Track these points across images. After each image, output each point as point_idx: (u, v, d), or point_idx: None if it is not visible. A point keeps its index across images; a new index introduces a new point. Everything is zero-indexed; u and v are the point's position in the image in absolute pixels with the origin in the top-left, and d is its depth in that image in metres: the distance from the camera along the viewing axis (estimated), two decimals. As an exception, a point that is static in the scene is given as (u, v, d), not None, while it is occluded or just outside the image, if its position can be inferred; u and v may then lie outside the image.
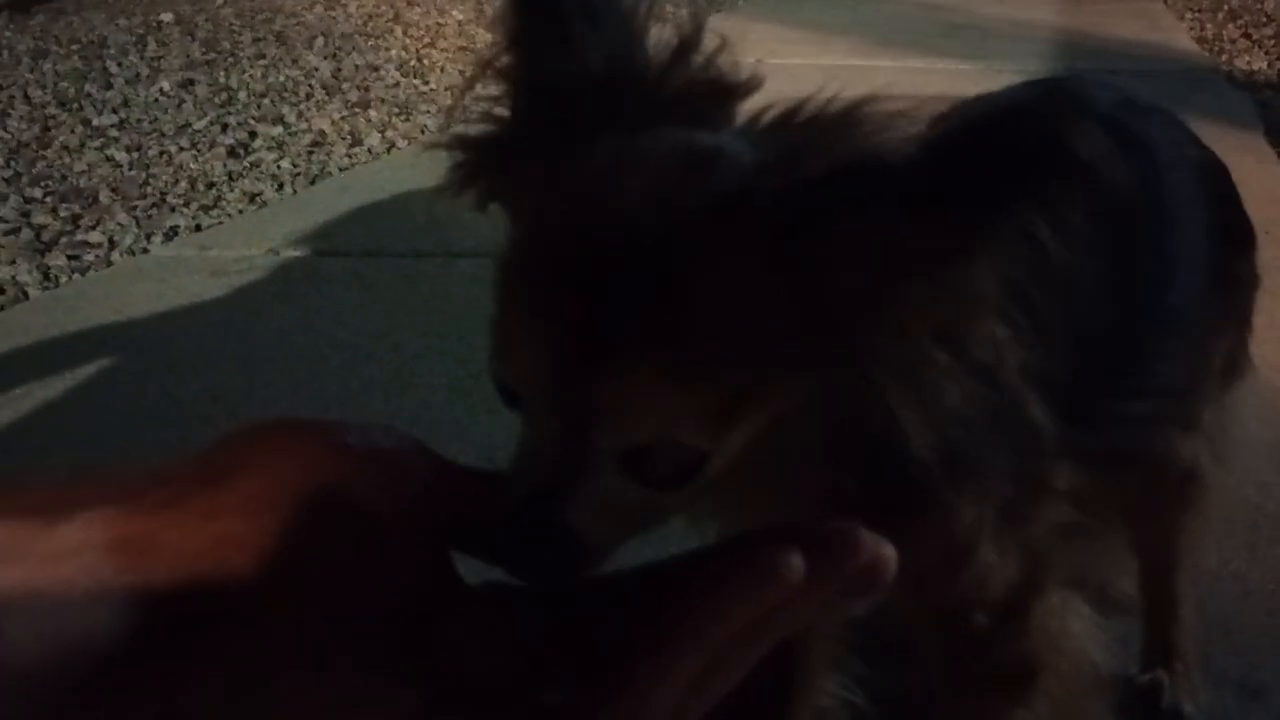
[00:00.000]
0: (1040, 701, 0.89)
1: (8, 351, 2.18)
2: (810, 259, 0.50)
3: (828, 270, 0.50)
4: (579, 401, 0.48)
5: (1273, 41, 4.79)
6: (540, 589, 0.44)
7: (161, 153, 3.43)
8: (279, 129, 3.67)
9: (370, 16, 5.38)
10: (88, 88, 4.08)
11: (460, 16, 5.39)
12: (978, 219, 0.49)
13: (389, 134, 3.68)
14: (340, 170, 3.33)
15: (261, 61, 4.52)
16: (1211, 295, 1.03)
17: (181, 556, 0.37)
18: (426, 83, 4.30)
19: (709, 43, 0.57)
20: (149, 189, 3.14)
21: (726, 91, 0.56)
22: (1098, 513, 0.94)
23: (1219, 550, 1.41)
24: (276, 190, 3.16)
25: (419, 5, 5.58)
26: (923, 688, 0.92)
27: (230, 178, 3.24)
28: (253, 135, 3.60)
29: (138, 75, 4.26)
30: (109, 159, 3.37)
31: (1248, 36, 4.92)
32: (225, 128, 3.67)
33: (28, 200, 3.04)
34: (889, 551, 0.42)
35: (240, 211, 3.00)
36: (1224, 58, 4.57)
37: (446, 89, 4.16)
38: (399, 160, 3.35)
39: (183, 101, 3.95)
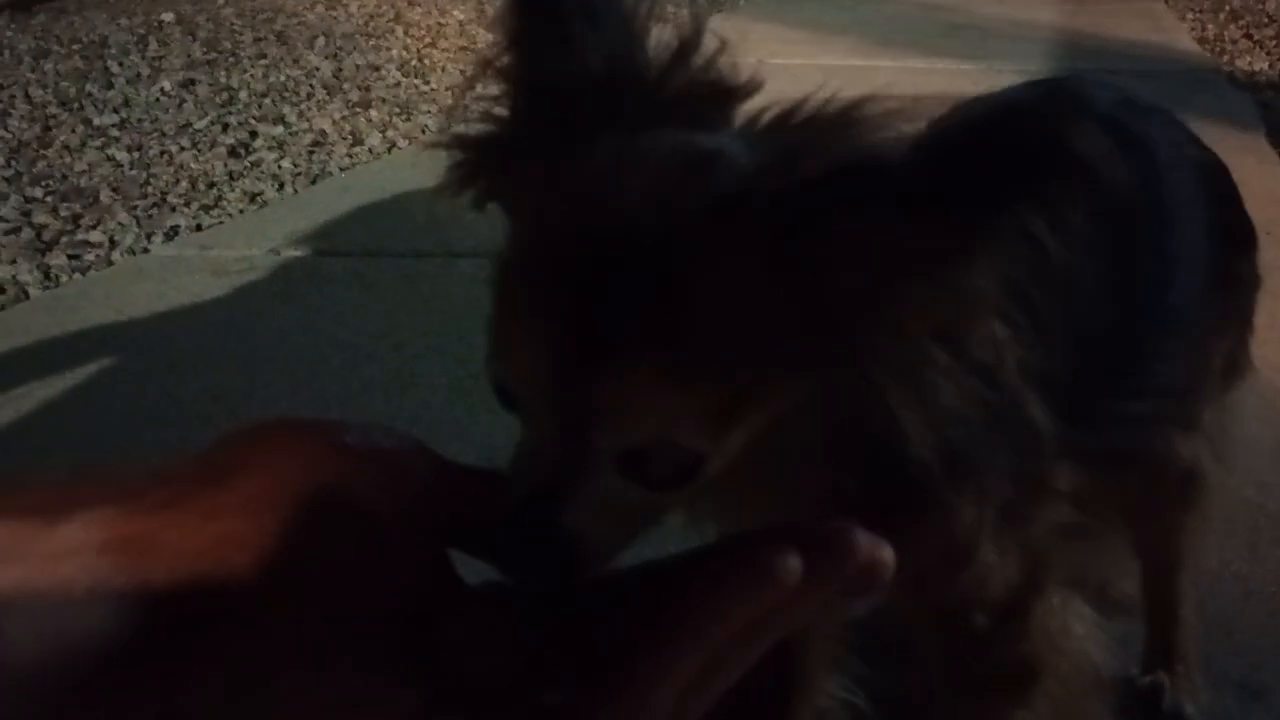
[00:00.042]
0: (1041, 702, 0.89)
1: (8, 351, 2.18)
2: (810, 259, 0.50)
3: (827, 270, 0.50)
4: (578, 402, 0.48)
5: (1274, 42, 4.79)
6: (540, 590, 0.44)
7: (162, 152, 3.43)
8: (280, 129, 3.67)
9: (371, 16, 5.38)
10: (89, 87, 4.08)
11: (461, 16, 5.39)
12: (977, 219, 0.49)
13: (390, 134, 3.68)
14: (341, 170, 3.33)
15: (263, 61, 4.52)
16: (1212, 295, 1.03)
17: (181, 556, 0.37)
18: (427, 82, 4.30)
19: (709, 45, 0.57)
20: (150, 188, 3.14)
21: (726, 93, 0.56)
22: (1098, 513, 0.94)
23: (1220, 551, 1.41)
24: (277, 190, 3.16)
25: (420, 5, 5.58)
26: (923, 688, 0.92)
27: (231, 177, 3.24)
28: (254, 135, 3.60)
29: (139, 75, 4.26)
30: (110, 158, 3.37)
31: (1249, 37, 4.92)
32: (226, 127, 3.67)
33: (28, 200, 3.04)
34: (887, 552, 0.42)
35: (241, 211, 3.00)
36: (1225, 58, 4.57)
37: (447, 89, 4.16)
38: (400, 160, 3.35)
39: (184, 101, 3.95)
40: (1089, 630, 0.91)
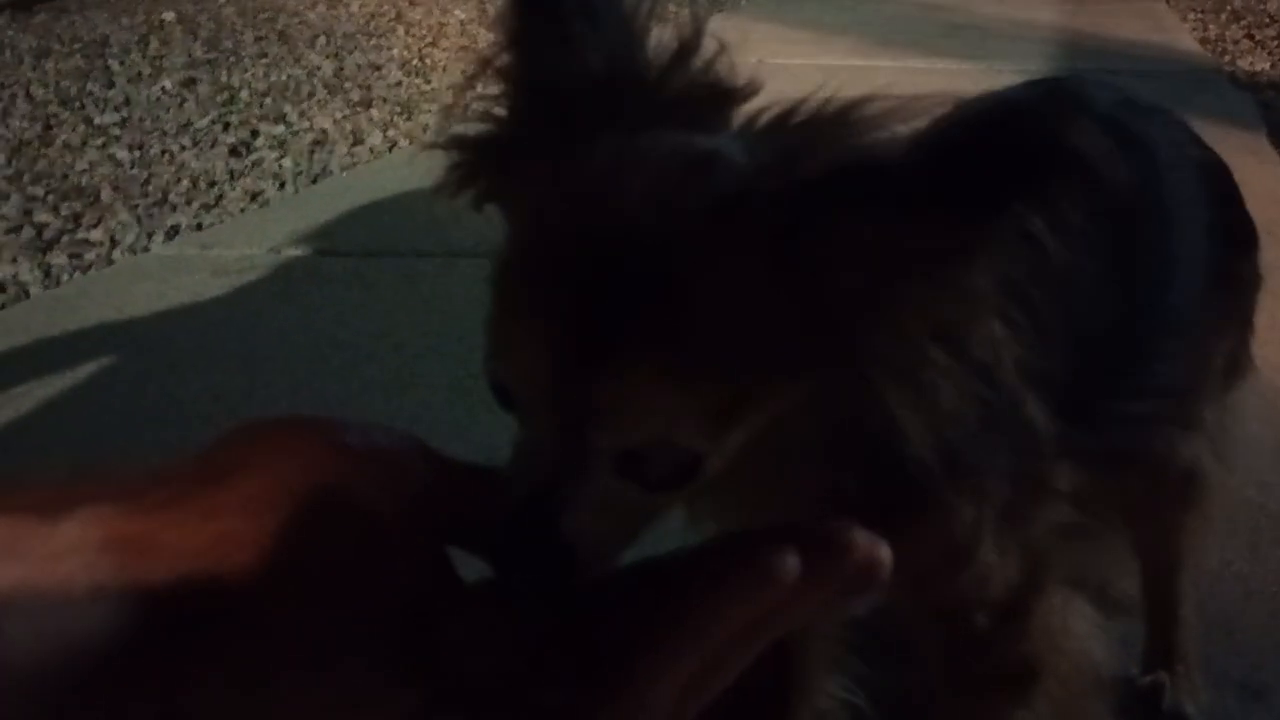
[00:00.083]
0: (1041, 702, 0.89)
1: (8, 350, 2.18)
2: (809, 259, 0.50)
3: (827, 270, 0.50)
4: (578, 402, 0.48)
5: (1276, 42, 4.79)
6: (539, 591, 0.44)
7: (163, 151, 3.43)
8: (281, 128, 3.67)
9: (373, 15, 5.38)
10: (90, 86, 4.08)
11: (462, 16, 5.40)
12: (977, 219, 0.49)
13: (391, 133, 3.68)
14: (342, 169, 3.33)
15: (264, 60, 4.52)
16: (1213, 295, 1.03)
17: (181, 556, 0.37)
18: (429, 82, 4.30)
19: (709, 46, 0.57)
20: (150, 188, 3.14)
21: (725, 95, 0.56)
22: (1099, 513, 0.94)
23: (1220, 551, 1.41)
24: (278, 189, 3.16)
25: (421, 4, 5.58)
26: (923, 688, 0.92)
27: (232, 176, 3.24)
28: (255, 134, 3.60)
29: (140, 74, 4.26)
30: (111, 157, 3.37)
31: (1250, 37, 4.92)
32: (227, 126, 3.67)
33: (29, 199, 3.04)
34: (885, 552, 0.42)
35: (242, 210, 3.00)
36: (1226, 58, 4.57)
37: (449, 88, 4.16)
38: (401, 159, 3.35)
39: (185, 100, 3.96)
40: (1089, 630, 0.91)
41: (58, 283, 2.58)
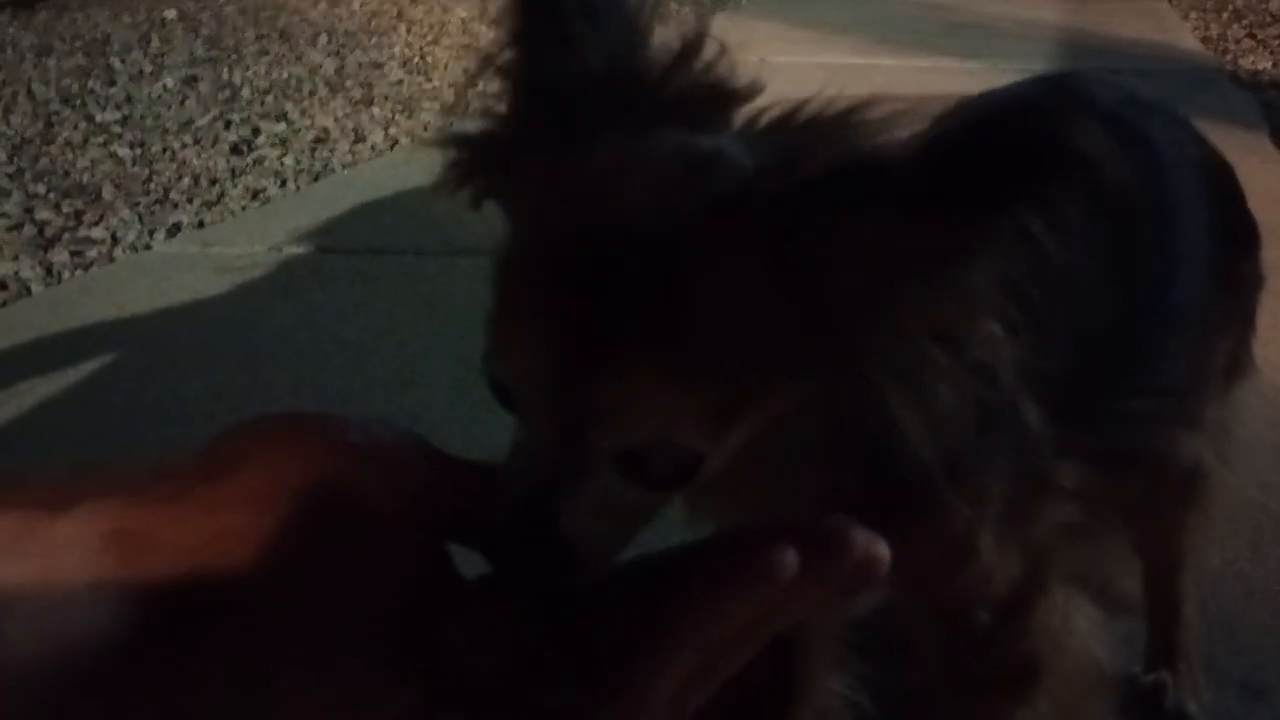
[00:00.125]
0: (1043, 701, 0.89)
1: (10, 348, 2.18)
2: (809, 259, 0.50)
3: (827, 271, 0.50)
4: (578, 401, 0.48)
5: (1277, 41, 4.78)
6: (539, 590, 0.44)
7: (165, 149, 3.43)
8: (282, 126, 3.67)
9: (374, 14, 5.38)
10: (91, 84, 4.08)
11: (464, 14, 5.39)
12: (977, 219, 0.49)
13: (392, 131, 3.68)
14: (343, 167, 3.33)
15: (265, 58, 4.52)
16: (1215, 294, 1.02)
17: (182, 551, 0.37)
18: (430, 80, 4.30)
19: (711, 47, 0.57)
20: (152, 185, 3.14)
21: (727, 96, 0.56)
22: (1101, 512, 0.94)
23: (1222, 550, 1.41)
24: (279, 187, 3.16)
25: (423, 2, 5.58)
26: (925, 687, 0.92)
27: (233, 174, 3.24)
28: (256, 132, 3.60)
29: (141, 72, 4.26)
30: (112, 155, 3.37)
31: (1252, 36, 4.92)
32: (228, 124, 3.67)
33: (31, 196, 3.04)
34: (883, 549, 0.42)
35: (243, 208, 3.00)
36: (1228, 58, 4.56)
37: (450, 86, 4.16)
38: (402, 157, 3.35)
39: (186, 98, 3.96)
40: (1091, 629, 0.91)
41: (59, 280, 2.58)
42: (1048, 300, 0.56)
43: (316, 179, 3.23)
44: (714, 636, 0.40)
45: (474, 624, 0.41)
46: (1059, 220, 0.48)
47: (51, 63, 4.36)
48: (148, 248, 2.75)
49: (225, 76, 4.23)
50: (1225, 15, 5.31)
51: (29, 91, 3.99)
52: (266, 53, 4.61)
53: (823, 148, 0.51)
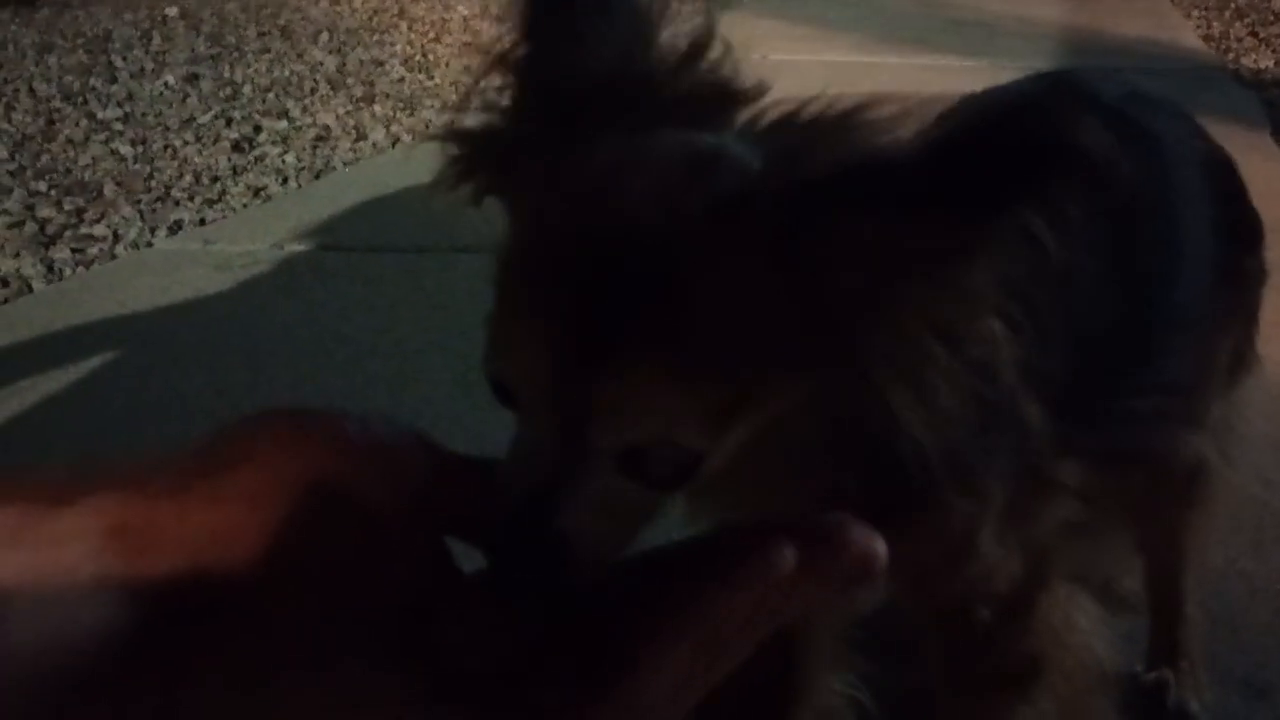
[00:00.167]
0: (1045, 698, 0.89)
1: (11, 345, 2.18)
2: (810, 259, 0.50)
3: (828, 270, 0.50)
4: (578, 401, 0.48)
5: (1280, 39, 4.78)
6: (538, 590, 0.44)
7: (166, 146, 3.43)
8: (283, 123, 3.67)
9: (375, 11, 5.38)
10: (92, 81, 4.08)
11: (465, 11, 5.39)
12: (978, 218, 0.49)
13: (393, 129, 3.68)
14: (344, 165, 3.33)
15: (266, 56, 4.52)
16: (1218, 290, 1.02)
17: (182, 545, 0.37)
18: (431, 78, 4.30)
19: (716, 48, 0.56)
20: (153, 183, 3.14)
21: (731, 97, 0.56)
22: (1104, 510, 0.94)
23: (1225, 548, 1.41)
24: (281, 185, 3.17)
25: (424, 0, 5.58)
26: (926, 686, 0.92)
27: (234, 172, 3.24)
28: (257, 129, 3.60)
29: (142, 69, 4.27)
30: (113, 153, 3.38)
31: (1255, 35, 4.91)
32: (230, 122, 3.67)
33: (32, 193, 3.04)
34: (880, 545, 0.42)
35: (244, 206, 3.00)
36: (1231, 56, 4.56)
37: (451, 84, 4.16)
38: (403, 155, 3.35)
39: (187, 95, 3.96)
40: (1093, 626, 0.91)
41: (60, 277, 2.58)
42: (1049, 299, 0.56)
43: (318, 176, 3.23)
44: (712, 631, 0.40)
45: (473, 620, 0.41)
46: (1060, 219, 0.48)
47: (53, 60, 4.36)
48: (149, 245, 2.75)
49: (227, 74, 4.23)
50: (1227, 13, 5.31)
51: (30, 89, 3.99)
52: (268, 50, 4.61)
53: (824, 147, 0.51)
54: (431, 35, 4.97)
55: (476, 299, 0.53)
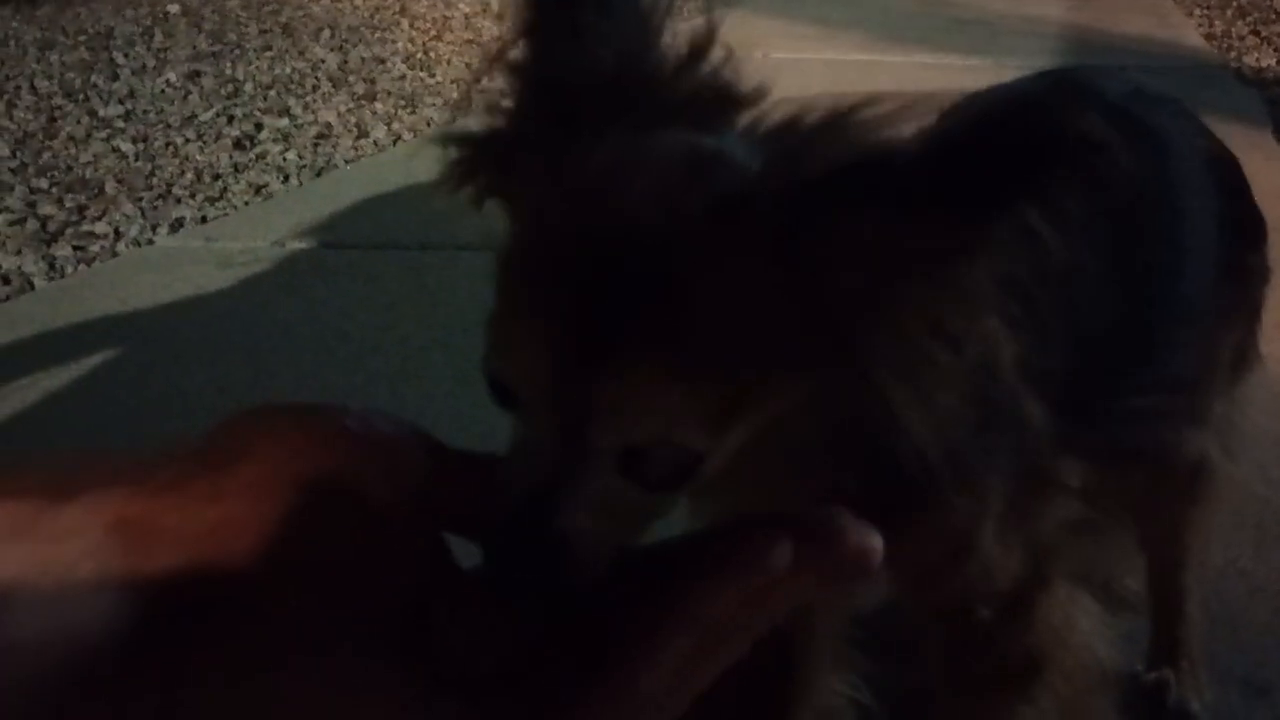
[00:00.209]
0: (1045, 697, 0.89)
1: (13, 342, 2.18)
2: (810, 259, 0.50)
3: (828, 270, 0.50)
4: (578, 401, 0.48)
5: (1282, 38, 4.78)
6: (537, 590, 0.44)
7: (167, 144, 3.43)
8: (285, 121, 3.67)
9: (377, 9, 5.38)
10: (94, 79, 4.08)
11: (467, 9, 5.39)
12: (978, 218, 0.49)
13: (395, 127, 3.68)
14: (346, 163, 3.33)
15: (268, 53, 4.52)
16: (1222, 287, 1.02)
17: (183, 540, 0.37)
18: (433, 75, 4.30)
19: (718, 51, 0.56)
20: (155, 180, 3.14)
21: (732, 100, 0.56)
22: (1105, 508, 0.94)
23: (1226, 547, 1.41)
24: (282, 182, 3.16)
25: (426, -2, 5.58)
26: (926, 686, 0.92)
27: (236, 169, 3.24)
28: (259, 127, 3.60)
29: (144, 66, 4.26)
30: (115, 150, 3.37)
31: (1256, 33, 4.91)
32: (231, 119, 3.67)
33: (34, 191, 3.04)
34: (876, 541, 0.42)
35: (246, 203, 3.00)
36: (1233, 54, 4.56)
37: (453, 82, 4.16)
38: (405, 153, 3.35)
39: (189, 93, 3.96)
40: (1094, 625, 0.91)
41: (62, 275, 2.58)
42: (1050, 298, 0.56)
43: (319, 174, 3.23)
44: (709, 625, 0.40)
45: (472, 615, 0.41)
46: (1060, 218, 0.48)
47: (54, 57, 4.36)
48: (150, 242, 2.75)
49: (228, 71, 4.23)
50: (1229, 12, 5.31)
51: (32, 86, 3.99)
52: (269, 48, 4.61)
53: (824, 147, 0.51)
54: (433, 33, 4.97)
55: (478, 297, 0.53)
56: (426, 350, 2.09)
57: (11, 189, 3.04)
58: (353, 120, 3.70)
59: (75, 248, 2.70)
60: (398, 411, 0.44)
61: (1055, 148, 0.47)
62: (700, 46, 0.56)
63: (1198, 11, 5.33)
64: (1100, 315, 0.89)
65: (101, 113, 3.70)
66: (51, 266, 2.61)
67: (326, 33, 4.89)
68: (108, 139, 3.46)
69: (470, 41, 4.80)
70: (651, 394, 0.48)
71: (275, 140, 3.49)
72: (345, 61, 4.44)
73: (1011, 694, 0.89)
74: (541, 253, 0.52)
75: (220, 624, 0.37)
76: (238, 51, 4.53)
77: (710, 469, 0.51)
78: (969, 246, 0.49)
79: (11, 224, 2.81)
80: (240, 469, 0.39)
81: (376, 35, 4.89)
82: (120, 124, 3.61)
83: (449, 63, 4.46)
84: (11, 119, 3.62)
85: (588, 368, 0.48)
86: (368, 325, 2.21)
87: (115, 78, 4.11)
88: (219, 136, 3.50)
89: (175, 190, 3.07)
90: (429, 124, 3.69)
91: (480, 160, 0.59)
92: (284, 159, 3.33)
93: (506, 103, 0.58)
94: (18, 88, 3.95)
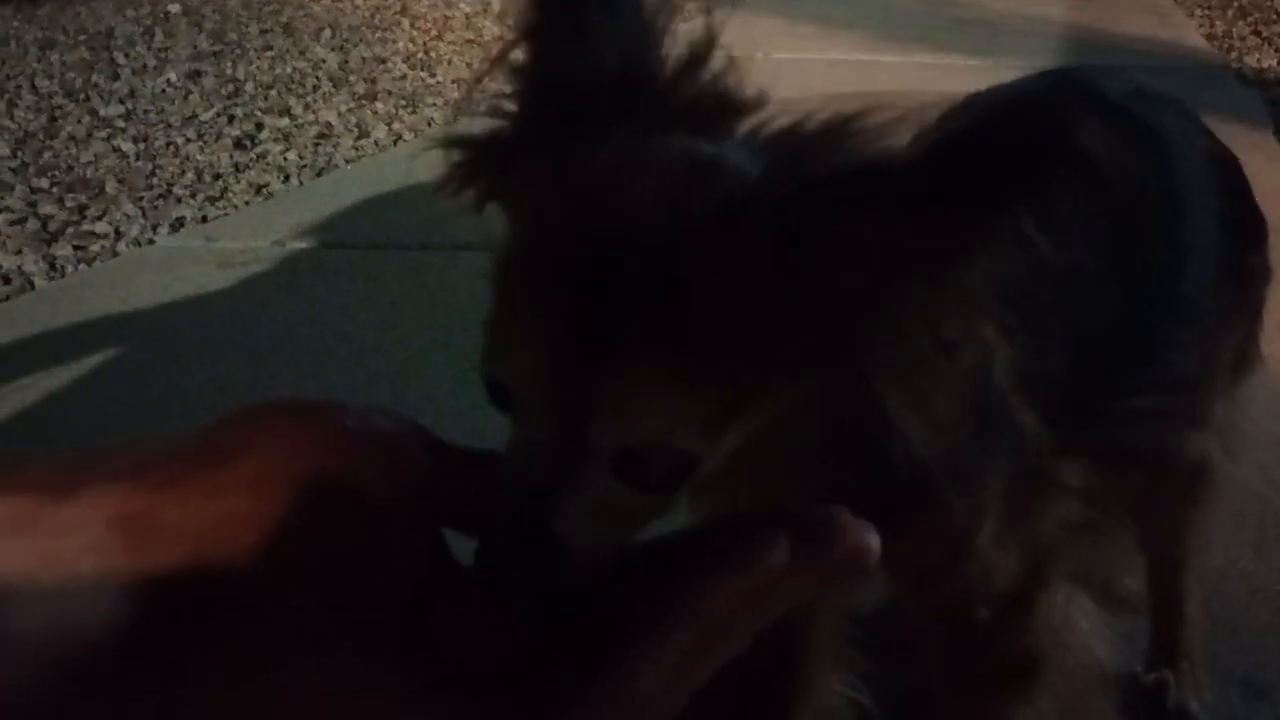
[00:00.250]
0: (1044, 698, 0.89)
1: (13, 342, 2.18)
2: (811, 260, 0.50)
3: (828, 271, 0.50)
4: (577, 402, 0.48)
5: (1283, 38, 4.78)
6: (534, 590, 0.44)
7: (168, 144, 3.43)
8: (285, 121, 3.67)
9: (377, 9, 5.38)
10: (95, 78, 4.08)
11: (467, 9, 5.39)
12: (978, 218, 0.49)
13: (395, 126, 3.68)
14: (346, 162, 3.33)
15: (268, 53, 4.52)
16: (1223, 287, 1.02)
17: (183, 536, 0.37)
18: (433, 75, 4.30)
19: (719, 59, 0.56)
20: (155, 180, 3.14)
21: (732, 108, 0.56)
22: (1105, 508, 0.94)
23: (1226, 548, 1.41)
24: (283, 182, 3.16)
25: (426, -2, 5.58)
26: (926, 686, 0.92)
27: (237, 169, 3.24)
28: (259, 127, 3.60)
29: (145, 66, 4.26)
30: (115, 149, 3.37)
31: (1257, 34, 4.91)
32: (232, 119, 3.67)
33: (34, 190, 3.04)
34: (873, 538, 0.42)
35: (246, 203, 3.00)
36: (1234, 55, 4.56)
37: (453, 82, 4.16)
38: (405, 153, 3.35)
39: (189, 93, 3.96)
40: (1093, 626, 0.90)
41: (62, 274, 2.58)
42: (1049, 299, 0.56)
43: (320, 174, 3.23)
44: (707, 622, 0.40)
45: (472, 611, 0.41)
46: (1059, 220, 0.48)
47: (55, 57, 4.36)
48: (151, 242, 2.75)
49: (229, 71, 4.23)
50: (1230, 12, 5.30)
51: (33, 85, 3.99)
52: (270, 47, 4.61)
53: (824, 150, 0.51)
54: (434, 33, 4.97)
55: (479, 296, 0.53)
56: (426, 350, 2.09)
57: (12, 188, 3.04)
58: (353, 120, 3.70)
59: (76, 247, 2.70)
60: (398, 410, 0.44)
61: (1055, 148, 0.47)
62: (700, 53, 0.56)
63: (1199, 12, 5.33)
64: (1101, 315, 0.89)
65: (102, 112, 3.70)
66: (52, 266, 2.61)
67: (327, 32, 4.89)
68: (108, 138, 3.46)
69: (471, 41, 4.80)
70: (652, 395, 0.48)
71: (276, 140, 3.49)
72: (346, 61, 4.44)
73: (1011, 694, 0.89)
74: (542, 253, 0.52)
75: (220, 623, 0.37)
76: (238, 51, 4.53)
77: (708, 470, 0.51)
78: (969, 246, 0.49)
79: (12, 223, 2.81)
80: (240, 466, 0.39)
81: (377, 35, 4.89)
82: (121, 123, 3.61)
83: (450, 63, 4.46)
84: (12, 118, 3.62)
85: (588, 368, 0.48)
86: (368, 325, 2.21)
87: (116, 77, 4.11)
88: (219, 136, 3.50)
89: (176, 190, 3.07)
90: (430, 124, 3.69)
91: (481, 163, 0.59)
92: (285, 159, 3.33)
93: (508, 104, 0.58)
94: (18, 87, 3.95)
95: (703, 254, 0.49)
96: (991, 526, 0.80)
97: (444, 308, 2.26)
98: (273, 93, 3.98)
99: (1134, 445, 0.98)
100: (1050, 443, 0.79)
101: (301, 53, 4.55)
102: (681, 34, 0.57)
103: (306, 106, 3.83)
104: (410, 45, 4.74)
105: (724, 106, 0.56)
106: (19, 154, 3.31)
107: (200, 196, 3.03)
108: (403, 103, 3.91)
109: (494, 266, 0.53)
